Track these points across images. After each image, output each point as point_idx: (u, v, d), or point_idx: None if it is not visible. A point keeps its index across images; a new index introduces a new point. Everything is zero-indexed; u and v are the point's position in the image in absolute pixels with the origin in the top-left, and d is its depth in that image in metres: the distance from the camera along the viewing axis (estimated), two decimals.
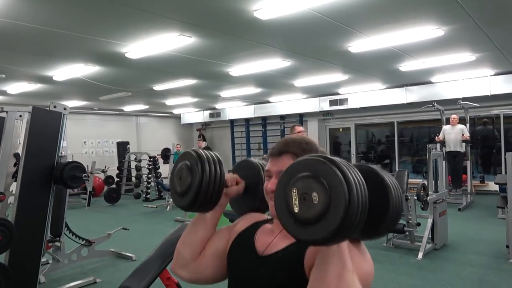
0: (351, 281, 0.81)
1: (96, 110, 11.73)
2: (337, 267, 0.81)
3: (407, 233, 4.72)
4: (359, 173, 0.78)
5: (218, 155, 1.16)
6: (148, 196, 9.49)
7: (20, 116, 3.85)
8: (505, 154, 4.66)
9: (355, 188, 0.74)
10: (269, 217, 1.18)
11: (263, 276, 1.03)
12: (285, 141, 1.10)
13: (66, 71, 6.24)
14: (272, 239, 1.07)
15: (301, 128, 4.22)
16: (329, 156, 0.80)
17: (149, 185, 9.69)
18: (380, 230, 0.95)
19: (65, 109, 3.77)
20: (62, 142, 3.81)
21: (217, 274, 1.18)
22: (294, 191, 0.79)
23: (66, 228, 4.36)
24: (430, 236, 4.69)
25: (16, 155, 4.08)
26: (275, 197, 0.85)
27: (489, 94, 7.96)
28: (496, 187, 7.63)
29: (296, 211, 0.78)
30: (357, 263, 0.87)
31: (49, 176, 3.65)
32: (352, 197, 0.73)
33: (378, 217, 0.90)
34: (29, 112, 3.59)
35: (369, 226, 0.83)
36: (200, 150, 1.14)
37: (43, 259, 3.99)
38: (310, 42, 5.14)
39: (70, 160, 4.03)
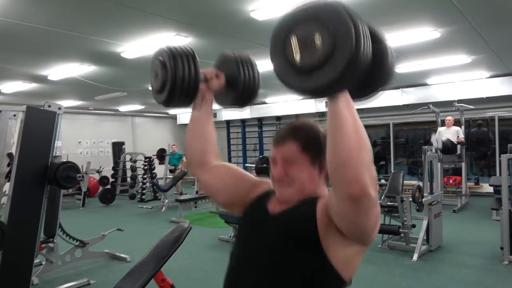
0: (363, 131, 0.83)
1: (91, 110, 11.67)
2: (352, 122, 0.81)
3: (402, 234, 4.72)
4: (360, 17, 0.74)
5: (192, 49, 1.17)
6: (143, 196, 9.44)
7: (14, 115, 3.83)
8: (499, 156, 4.68)
9: (361, 28, 0.70)
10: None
11: (275, 226, 1.04)
12: (289, 127, 1.10)
13: (61, 71, 6.20)
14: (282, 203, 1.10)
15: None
16: None
17: (144, 186, 9.65)
18: (377, 85, 0.94)
19: (59, 108, 3.74)
20: (56, 142, 3.79)
21: (227, 192, 1.23)
22: (293, 38, 0.73)
23: (59, 229, 4.33)
24: (425, 238, 4.70)
25: (10, 155, 4.05)
26: (271, 48, 0.82)
27: (484, 97, 8.01)
28: (490, 189, 7.67)
29: (298, 59, 0.73)
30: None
31: (43, 176, 3.61)
32: (358, 36, 0.68)
33: (376, 67, 0.86)
34: (23, 111, 3.56)
35: (369, 78, 0.80)
36: (173, 45, 1.15)
37: (36, 260, 3.95)
38: None
39: (64, 160, 4.00)
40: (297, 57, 0.73)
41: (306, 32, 0.72)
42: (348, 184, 0.82)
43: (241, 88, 1.21)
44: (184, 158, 10.64)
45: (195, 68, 1.12)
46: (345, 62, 0.68)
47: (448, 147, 7.37)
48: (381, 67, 0.89)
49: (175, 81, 1.09)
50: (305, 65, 0.72)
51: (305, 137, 1.06)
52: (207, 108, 1.24)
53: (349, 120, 0.82)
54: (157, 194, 9.27)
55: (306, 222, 0.99)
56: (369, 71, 0.76)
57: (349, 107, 0.83)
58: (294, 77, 0.74)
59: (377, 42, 0.86)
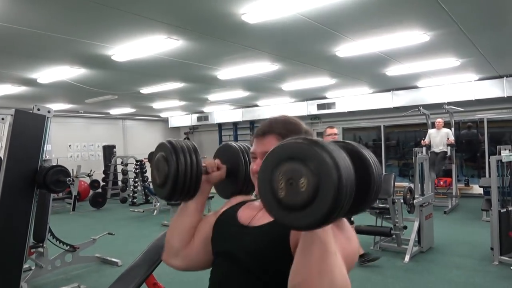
0: (334, 264, 0.80)
1: (81, 113, 11.57)
2: (320, 250, 0.79)
3: (393, 236, 4.75)
4: (345, 155, 0.76)
5: (194, 144, 1.16)
6: (135, 200, 9.37)
7: (2, 119, 3.77)
8: (489, 158, 4.74)
9: (344, 172, 0.71)
10: (255, 198, 1.19)
11: (247, 243, 1.02)
12: (269, 122, 1.09)
13: (51, 74, 6.13)
14: (257, 212, 1.07)
15: (334, 130, 4.23)
16: (315, 139, 0.77)
17: (135, 189, 9.57)
18: (363, 206, 0.92)
19: (49, 112, 3.70)
20: (46, 145, 3.74)
21: (209, 259, 1.17)
22: (280, 175, 0.76)
23: (49, 234, 4.27)
24: (416, 239, 4.73)
25: None
26: (258, 179, 0.82)
27: (474, 99, 8.11)
28: (480, 190, 7.75)
29: (282, 196, 0.75)
30: (340, 245, 0.85)
31: (32, 180, 3.57)
32: (341, 183, 0.70)
33: (361, 194, 0.86)
34: (11, 115, 3.51)
35: (352, 204, 0.80)
36: (175, 140, 1.15)
37: (25, 266, 3.90)
38: (298, 46, 5.16)
39: (54, 164, 3.95)
40: (282, 194, 0.76)
41: (293, 173, 0.75)
42: None
43: (242, 182, 1.21)
44: None
45: (197, 162, 1.12)
46: (324, 212, 0.71)
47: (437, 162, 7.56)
48: (364, 198, 0.89)
49: (177, 176, 1.09)
50: (287, 203, 0.75)
51: (286, 130, 1.04)
52: (201, 199, 1.20)
53: (315, 259, 0.79)
54: (149, 198, 9.21)
55: (279, 241, 0.96)
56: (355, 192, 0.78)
57: (320, 244, 0.80)
58: (277, 210, 0.77)
59: (356, 161, 0.86)
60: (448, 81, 8.09)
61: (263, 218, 1.04)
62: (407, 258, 4.45)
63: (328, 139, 4.26)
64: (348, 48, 5.18)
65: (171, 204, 7.20)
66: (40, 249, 4.14)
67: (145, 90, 7.99)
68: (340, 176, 0.71)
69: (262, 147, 1.05)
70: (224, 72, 6.43)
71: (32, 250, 4.08)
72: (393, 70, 6.78)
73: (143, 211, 8.44)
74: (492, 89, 7.96)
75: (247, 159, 1.21)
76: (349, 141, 0.94)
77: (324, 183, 0.71)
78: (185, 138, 13.65)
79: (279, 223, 0.78)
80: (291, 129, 1.05)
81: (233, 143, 1.28)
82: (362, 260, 4.17)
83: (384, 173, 6.43)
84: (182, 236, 1.18)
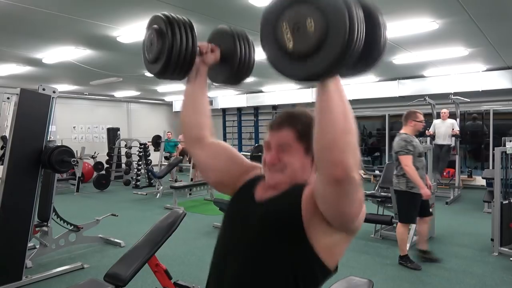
0: (353, 123, 0.82)
1: (86, 95, 11.57)
2: (341, 109, 0.80)
3: (394, 225, 4.76)
4: None
5: (189, 19, 1.10)
6: (138, 183, 9.44)
7: (8, 98, 3.79)
8: (493, 150, 4.72)
9: (354, 10, 0.67)
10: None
11: (258, 212, 1.04)
12: (286, 114, 1.09)
13: (56, 54, 6.12)
14: (270, 191, 1.09)
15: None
16: None
17: (139, 172, 9.64)
18: (370, 62, 0.89)
19: (54, 92, 3.71)
20: (50, 126, 3.76)
21: (222, 172, 1.22)
22: (285, 24, 0.70)
23: (54, 213, 4.32)
24: (417, 229, 4.74)
25: (3, 138, 4.03)
26: (261, 36, 0.80)
27: (480, 90, 8.03)
28: (483, 182, 7.75)
29: (291, 46, 0.70)
30: None
31: (37, 160, 3.60)
32: (352, 19, 0.66)
33: (369, 45, 0.82)
34: (17, 94, 3.52)
35: (360, 56, 0.77)
36: (171, 13, 1.08)
37: (30, 244, 3.95)
38: None
39: (58, 145, 3.98)
40: (290, 44, 0.70)
41: (297, 17, 0.69)
42: (333, 166, 0.81)
43: (237, 65, 1.17)
44: (179, 145, 10.63)
45: (193, 39, 1.07)
46: (339, 48, 0.66)
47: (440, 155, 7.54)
48: (374, 45, 0.85)
49: (172, 51, 1.03)
50: (298, 52, 0.70)
51: (303, 126, 1.04)
52: (201, 81, 1.21)
53: (338, 103, 0.81)
54: (152, 181, 9.28)
55: (290, 212, 0.98)
56: (361, 51, 0.73)
57: (339, 90, 0.81)
58: (288, 65, 0.72)
59: (370, 18, 0.82)
60: (455, 71, 8.00)
61: (273, 193, 1.07)
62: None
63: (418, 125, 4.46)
64: None
65: (174, 187, 7.25)
66: (45, 228, 4.19)
67: (150, 73, 7.95)
68: (349, 7, 0.65)
69: (277, 139, 1.05)
70: None
71: (37, 229, 4.14)
72: (400, 58, 6.71)
73: (146, 194, 8.51)
74: (500, 80, 7.87)
75: (242, 43, 1.19)
76: None
77: (333, 17, 0.66)
78: None
79: (293, 78, 0.78)
80: (308, 122, 1.04)
81: (228, 26, 1.22)
82: (424, 256, 4.12)
83: (387, 163, 6.43)
84: (195, 115, 1.22)
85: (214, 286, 1.09)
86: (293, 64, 0.71)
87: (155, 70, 1.09)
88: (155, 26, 1.08)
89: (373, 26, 0.84)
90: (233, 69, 1.19)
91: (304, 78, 0.74)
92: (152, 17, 1.12)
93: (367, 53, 0.83)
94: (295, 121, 1.06)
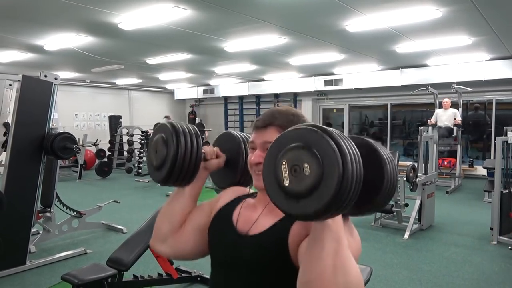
0: (347, 257, 0.78)
1: (88, 82, 11.55)
2: (333, 244, 0.76)
3: (395, 213, 4.80)
4: (353, 143, 0.75)
5: (196, 128, 1.11)
6: (140, 170, 9.48)
7: (10, 85, 3.80)
8: (495, 140, 4.72)
9: (349, 157, 0.71)
10: (252, 191, 1.15)
11: (246, 258, 0.99)
12: (271, 113, 1.05)
13: (57, 41, 6.09)
14: (257, 218, 1.03)
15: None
16: (320, 125, 0.76)
17: (141, 160, 9.68)
18: (374, 204, 0.90)
19: (56, 78, 3.71)
20: (53, 113, 3.77)
21: (198, 249, 1.14)
22: (284, 163, 0.75)
23: (56, 199, 4.37)
24: (417, 217, 4.78)
25: (6, 125, 4.04)
26: (263, 171, 0.80)
27: (483, 79, 7.98)
28: (484, 172, 7.75)
29: (287, 184, 0.74)
30: (347, 241, 0.83)
31: (39, 146, 3.62)
32: (346, 166, 0.70)
33: (372, 190, 0.86)
34: (19, 80, 3.53)
35: (362, 201, 0.79)
36: (176, 122, 1.10)
37: (34, 229, 4.00)
38: (307, 19, 5.07)
39: (61, 131, 3.99)
40: (286, 182, 0.74)
41: (297, 160, 0.74)
42: None
43: (240, 173, 1.16)
44: None
45: (197, 148, 1.07)
46: (329, 198, 0.69)
47: (444, 135, 7.45)
48: (378, 185, 0.87)
49: (176, 160, 1.04)
50: (292, 191, 0.73)
51: (288, 123, 0.99)
52: (197, 186, 1.16)
53: (329, 252, 0.76)
54: None
55: (277, 257, 0.94)
56: (364, 189, 0.75)
57: (333, 236, 0.77)
58: (283, 200, 0.75)
59: (372, 158, 0.86)
60: (459, 60, 7.94)
61: (261, 223, 1.02)
62: (406, 235, 4.51)
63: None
64: (358, 23, 5.08)
65: None
66: (48, 214, 4.24)
67: (152, 60, 7.94)
68: (344, 161, 0.70)
69: (262, 138, 1.02)
70: (232, 44, 6.35)
71: (40, 215, 4.19)
72: (403, 47, 6.66)
73: (148, 181, 8.56)
74: (503, 70, 7.81)
75: (248, 150, 1.16)
76: (367, 138, 0.92)
77: (328, 166, 0.70)
78: (190, 112, 13.66)
79: (286, 214, 0.77)
80: (293, 121, 1.01)
81: (235, 132, 1.23)
82: None
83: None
84: (173, 222, 1.14)
85: None
86: (288, 200, 0.75)
87: (160, 177, 1.08)
88: (162, 134, 1.09)
89: (375, 165, 0.86)
90: (235, 177, 1.19)
91: (296, 216, 0.77)
92: (159, 125, 1.13)
93: (371, 195, 0.85)
94: (281, 119, 1.02)
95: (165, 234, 1.14)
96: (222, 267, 1.07)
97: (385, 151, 0.91)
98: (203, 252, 1.15)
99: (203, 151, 1.12)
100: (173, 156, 1.03)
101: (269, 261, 0.95)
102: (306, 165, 0.72)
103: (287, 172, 0.75)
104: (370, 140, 0.92)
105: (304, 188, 0.72)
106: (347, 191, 0.70)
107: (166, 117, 10.65)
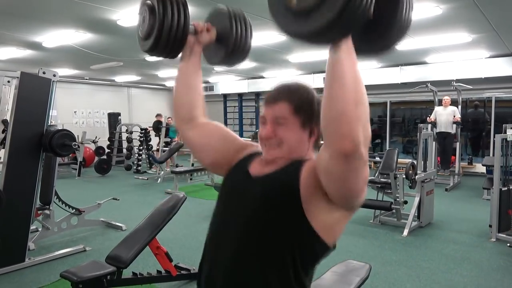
0: (365, 94, 0.80)
1: (87, 79, 11.53)
2: (352, 78, 0.78)
3: (394, 210, 4.80)
4: None
5: None
6: (139, 168, 9.48)
7: (8, 81, 3.78)
8: (494, 137, 4.72)
9: None
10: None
11: (255, 189, 1.02)
12: (283, 87, 1.07)
13: (56, 37, 6.07)
14: (267, 167, 1.07)
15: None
16: None
17: (140, 157, 9.67)
18: (388, 38, 0.87)
19: (54, 75, 3.70)
20: (51, 110, 3.76)
21: (216, 154, 1.20)
22: None
23: (55, 197, 4.36)
24: (416, 214, 4.78)
25: (4, 122, 4.02)
26: (269, 2, 0.81)
27: (483, 77, 7.98)
28: (483, 169, 7.77)
29: (294, 2, 0.71)
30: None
31: (38, 143, 3.61)
32: None
33: (386, 21, 0.82)
34: (17, 77, 3.52)
35: (376, 34, 0.78)
36: None
37: (33, 227, 4.00)
38: None
39: (59, 128, 3.98)
40: (294, 1, 0.71)
41: None
42: (341, 139, 0.78)
43: (232, 46, 1.16)
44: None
45: (185, 17, 1.06)
46: (340, 2, 0.65)
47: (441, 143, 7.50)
48: (393, 12, 0.82)
49: (163, 27, 1.03)
50: (302, 7, 0.70)
51: (299, 99, 1.03)
52: (195, 60, 1.19)
53: (349, 71, 0.78)
54: (153, 166, 9.32)
55: (287, 190, 0.97)
56: (378, 18, 0.72)
57: (350, 57, 0.79)
58: (292, 23, 0.72)
59: None
60: (458, 58, 7.94)
61: (273, 168, 1.05)
62: (405, 232, 4.51)
63: None
64: None
65: (175, 172, 7.29)
66: (47, 211, 4.23)
67: (150, 57, 7.92)
68: None
69: (273, 112, 1.03)
70: None
71: (39, 212, 4.18)
72: (403, 44, 6.61)
73: (147, 179, 8.56)
74: (503, 67, 7.81)
75: (238, 23, 1.19)
76: None
77: None
78: None
79: (298, 37, 0.78)
80: (304, 96, 1.03)
81: (225, 6, 1.21)
82: None
83: (387, 149, 6.44)
84: (188, 93, 1.21)
85: (210, 262, 1.08)
86: (298, 21, 0.71)
87: (147, 46, 1.09)
88: (148, 2, 1.07)
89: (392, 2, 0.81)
90: (228, 49, 1.17)
91: (308, 34, 0.72)
92: None
93: (383, 25, 0.81)
94: (291, 94, 1.04)
95: (188, 104, 1.21)
96: (231, 199, 1.09)
97: None
98: (215, 160, 1.21)
99: (192, 23, 1.12)
100: (159, 24, 1.03)
101: (278, 191, 0.98)
102: None
103: None
104: None
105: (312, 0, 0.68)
106: None
107: (158, 115, 10.55)
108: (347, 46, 0.78)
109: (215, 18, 1.21)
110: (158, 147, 9.91)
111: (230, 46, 1.16)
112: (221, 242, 1.06)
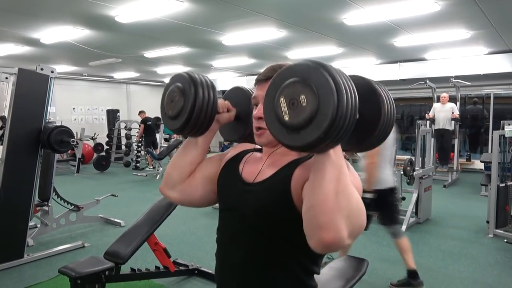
0: (348, 184, 0.82)
1: (85, 76, 11.50)
2: (335, 171, 0.80)
3: None
4: (347, 76, 0.78)
5: (211, 80, 1.14)
6: (138, 164, 9.49)
7: (6, 78, 3.77)
8: (492, 134, 4.73)
9: (343, 86, 0.74)
10: (258, 146, 1.18)
11: (250, 202, 1.03)
12: (272, 67, 1.07)
13: (54, 34, 6.05)
14: (261, 167, 1.08)
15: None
16: (313, 59, 0.79)
17: (139, 154, 9.67)
18: (372, 139, 0.93)
19: (52, 72, 3.69)
20: (49, 106, 3.76)
21: (206, 197, 1.19)
22: (282, 100, 0.79)
23: (54, 193, 4.36)
24: (414, 210, 4.80)
25: (3, 118, 4.02)
26: (264, 111, 0.84)
27: (482, 73, 7.97)
28: (481, 166, 7.78)
29: (287, 119, 0.78)
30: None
31: (36, 139, 3.61)
32: (340, 94, 0.73)
33: (370, 126, 0.90)
34: (15, 73, 3.51)
35: (361, 136, 0.84)
36: (193, 73, 1.12)
37: (31, 223, 4.01)
38: (305, 12, 5.04)
39: (58, 125, 3.98)
40: (286, 117, 0.78)
41: (293, 94, 0.78)
42: (319, 229, 0.79)
43: (249, 127, 1.17)
44: None
45: (214, 101, 1.10)
46: (328, 121, 0.73)
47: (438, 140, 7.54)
48: (376, 121, 0.90)
49: (193, 112, 1.06)
50: (292, 124, 0.77)
51: None
52: (208, 137, 1.18)
53: (331, 179, 0.80)
54: (152, 162, 9.33)
55: (281, 203, 0.97)
56: (363, 124, 0.80)
57: (335, 165, 0.81)
58: (285, 136, 0.80)
59: (370, 95, 0.92)
60: (457, 54, 7.93)
61: (265, 172, 1.06)
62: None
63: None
64: (357, 16, 5.06)
65: None
66: (45, 208, 4.24)
67: (149, 54, 7.90)
68: (339, 90, 0.73)
69: (263, 91, 1.01)
70: (229, 37, 6.32)
71: (38, 208, 4.18)
72: (401, 41, 6.64)
73: (146, 175, 8.57)
74: (501, 64, 7.81)
75: None
76: (368, 78, 0.96)
77: (323, 95, 0.74)
78: None
79: (290, 148, 0.81)
80: None
81: (244, 87, 1.24)
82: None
83: None
84: (183, 170, 1.18)
85: (222, 271, 1.13)
86: (290, 135, 0.79)
87: (175, 127, 1.11)
88: (179, 85, 1.10)
89: (373, 102, 0.90)
90: (245, 132, 1.20)
91: (300, 148, 0.80)
92: (175, 75, 1.14)
93: (370, 127, 0.89)
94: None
95: (174, 181, 1.19)
96: (231, 214, 1.10)
97: (383, 89, 0.94)
98: (211, 200, 1.21)
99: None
100: (191, 107, 1.06)
101: (273, 205, 0.99)
102: (302, 96, 0.77)
103: (286, 107, 0.79)
104: (371, 79, 0.96)
105: (303, 118, 0.76)
106: (343, 118, 0.74)
107: (141, 112, 10.36)
108: (334, 152, 0.82)
109: (235, 97, 1.23)
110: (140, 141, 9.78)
111: (247, 129, 1.19)
112: (230, 253, 1.10)
